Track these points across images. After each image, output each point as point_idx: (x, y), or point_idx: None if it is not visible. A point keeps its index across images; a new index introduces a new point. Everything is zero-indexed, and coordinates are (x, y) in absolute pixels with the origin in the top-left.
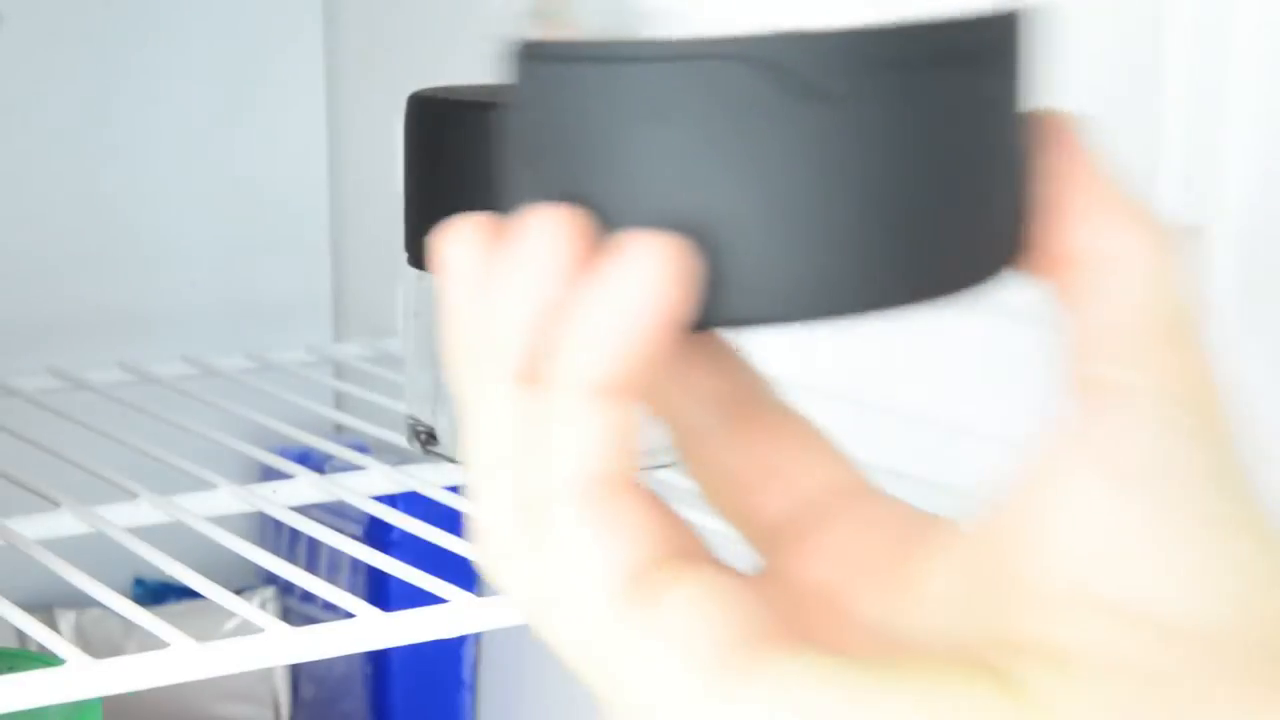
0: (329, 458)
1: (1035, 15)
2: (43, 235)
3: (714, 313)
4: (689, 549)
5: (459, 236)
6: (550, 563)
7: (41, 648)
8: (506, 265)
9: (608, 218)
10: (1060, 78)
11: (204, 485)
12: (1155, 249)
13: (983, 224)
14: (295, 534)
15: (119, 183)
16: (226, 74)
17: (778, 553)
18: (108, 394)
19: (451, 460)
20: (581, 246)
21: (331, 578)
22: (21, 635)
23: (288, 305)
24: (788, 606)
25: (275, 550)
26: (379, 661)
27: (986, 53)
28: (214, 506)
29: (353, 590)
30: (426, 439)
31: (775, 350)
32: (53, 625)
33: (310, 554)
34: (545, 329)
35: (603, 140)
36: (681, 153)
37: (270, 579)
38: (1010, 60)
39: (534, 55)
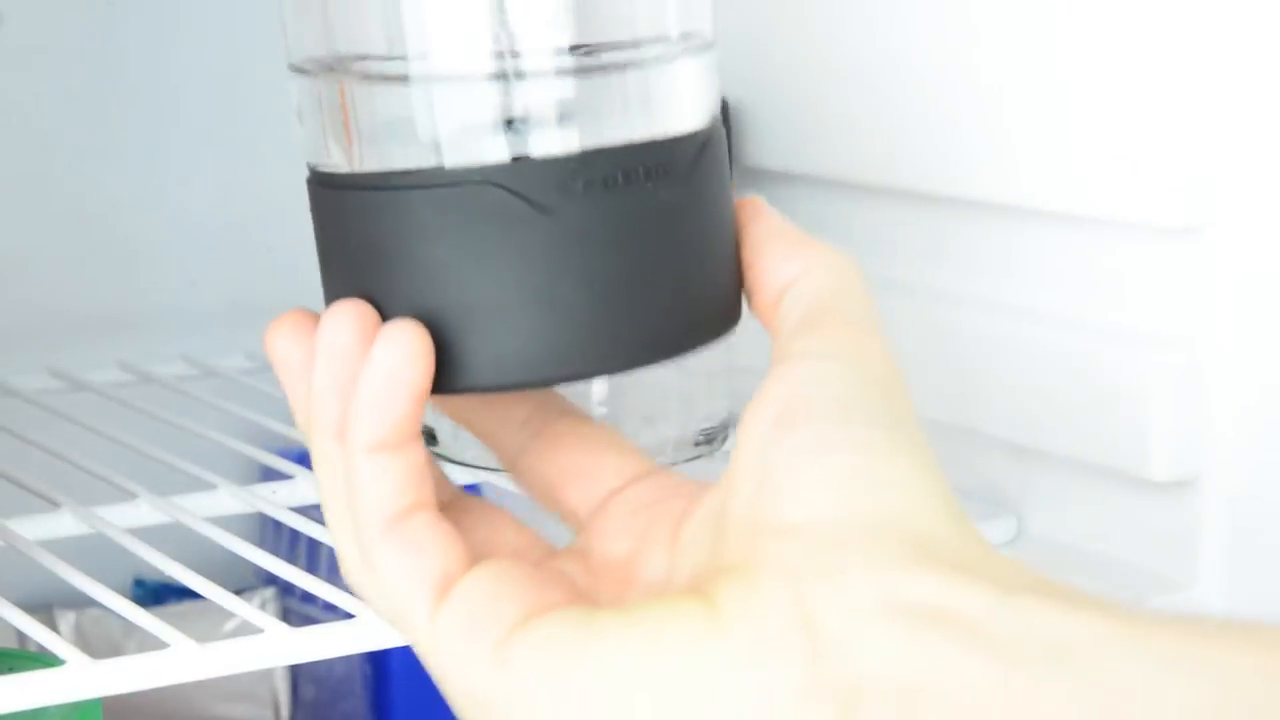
0: None
1: (720, 133)
2: (42, 235)
3: (472, 379)
4: (483, 549)
5: (278, 330)
6: (379, 584)
7: (41, 648)
8: (316, 350)
9: (385, 309)
10: (1061, 77)
11: (204, 485)
12: (826, 263)
13: (695, 293)
14: (295, 534)
15: (119, 183)
16: (227, 73)
17: (587, 535)
18: (108, 394)
19: (452, 460)
20: (359, 335)
21: (331, 578)
22: (21, 635)
23: (288, 305)
24: (589, 579)
25: (275, 550)
26: (379, 662)
27: (676, 165)
28: (214, 507)
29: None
30: (427, 439)
31: None
32: (53, 625)
33: (310, 554)
34: (342, 399)
35: (379, 247)
36: (435, 256)
37: (270, 579)
38: (701, 166)
39: (326, 182)
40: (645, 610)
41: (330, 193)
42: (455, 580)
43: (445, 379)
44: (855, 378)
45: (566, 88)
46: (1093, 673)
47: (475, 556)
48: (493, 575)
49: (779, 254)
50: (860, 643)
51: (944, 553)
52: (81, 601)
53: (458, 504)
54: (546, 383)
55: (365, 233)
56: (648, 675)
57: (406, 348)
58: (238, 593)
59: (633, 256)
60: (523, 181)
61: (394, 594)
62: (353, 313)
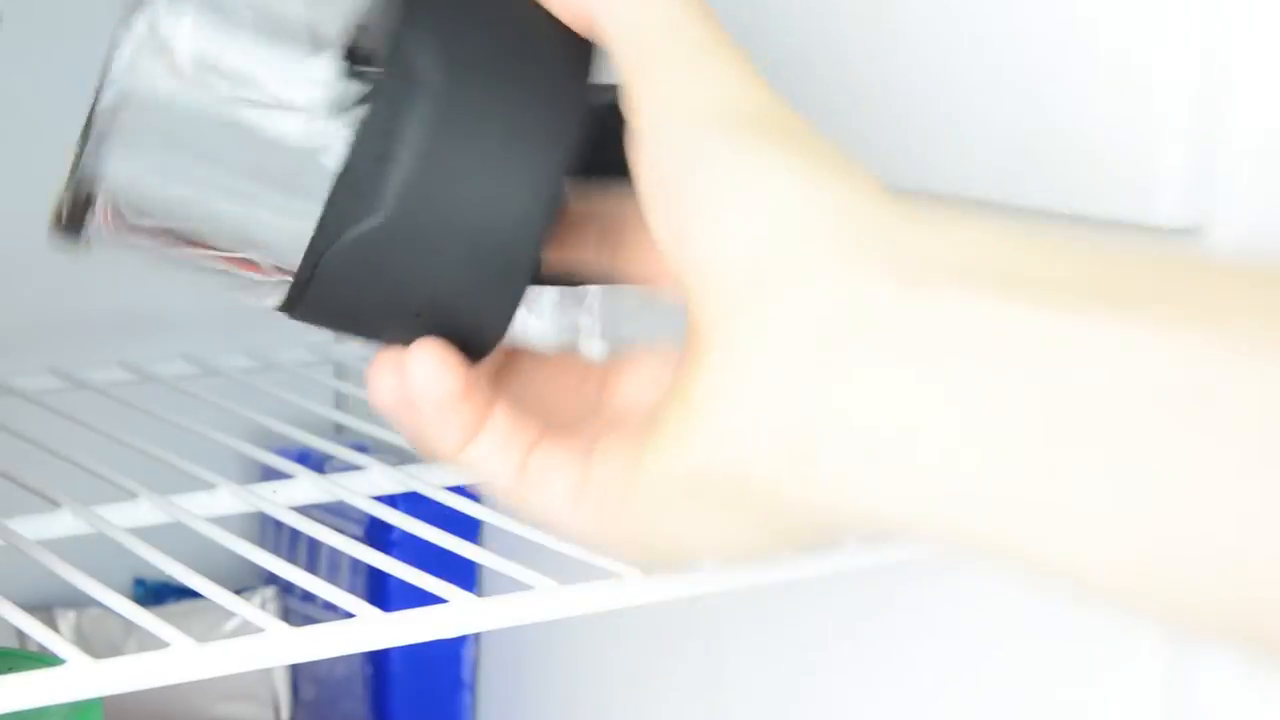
0: (329, 458)
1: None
2: (44, 235)
3: (494, 327)
4: (624, 408)
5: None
6: (533, 513)
7: (41, 648)
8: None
9: (401, 344)
10: (1061, 76)
11: (204, 485)
12: None
13: (544, 94)
14: (295, 534)
15: None
16: None
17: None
18: (108, 394)
19: None
20: (398, 384)
21: (331, 578)
22: (21, 635)
23: None
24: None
25: (275, 550)
26: (379, 662)
27: (434, 60)
28: (214, 506)
29: (353, 590)
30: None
31: None
32: (53, 625)
33: (310, 554)
34: (421, 435)
35: (348, 326)
36: (377, 298)
37: (270, 579)
38: (456, 32)
39: (285, 304)
40: (653, 429)
41: (287, 315)
42: (586, 482)
43: (477, 347)
44: (686, 119)
45: (343, 92)
46: (1010, 371)
47: (614, 422)
48: (604, 462)
49: (566, 5)
50: (802, 388)
51: (852, 241)
52: (81, 601)
53: (598, 373)
54: (531, 263)
55: (331, 323)
56: (675, 486)
57: (427, 370)
58: (238, 592)
59: (482, 133)
60: (354, 206)
61: (544, 515)
62: (381, 373)
